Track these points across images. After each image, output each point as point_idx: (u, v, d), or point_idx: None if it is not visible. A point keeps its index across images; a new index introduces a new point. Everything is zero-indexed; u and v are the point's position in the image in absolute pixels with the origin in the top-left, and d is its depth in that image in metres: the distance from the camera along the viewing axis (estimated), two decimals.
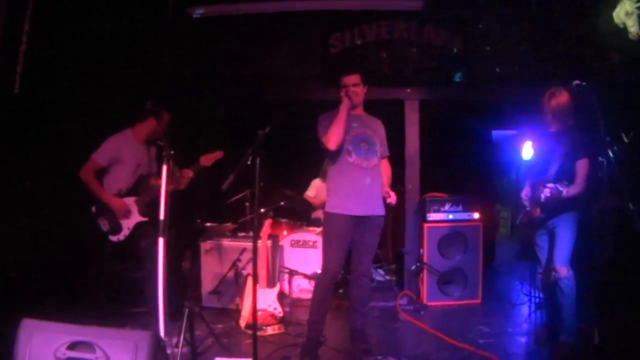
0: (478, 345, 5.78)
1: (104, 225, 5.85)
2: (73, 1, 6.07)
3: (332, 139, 5.20)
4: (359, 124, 5.43)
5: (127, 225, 5.91)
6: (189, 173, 5.97)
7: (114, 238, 5.89)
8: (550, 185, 5.10)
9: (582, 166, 5.25)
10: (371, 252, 5.51)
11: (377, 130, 5.55)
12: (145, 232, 5.93)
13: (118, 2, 6.56)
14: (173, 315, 5.29)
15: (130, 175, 5.98)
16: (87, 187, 5.80)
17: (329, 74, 7.43)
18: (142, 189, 5.99)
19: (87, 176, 5.78)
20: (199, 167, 5.99)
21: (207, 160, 5.95)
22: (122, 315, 6.15)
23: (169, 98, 6.74)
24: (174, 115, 5.98)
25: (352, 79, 5.34)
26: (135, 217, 5.94)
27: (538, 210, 5.50)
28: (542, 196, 5.18)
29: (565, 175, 5.22)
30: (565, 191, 5.10)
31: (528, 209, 5.67)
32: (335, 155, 5.38)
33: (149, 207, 5.99)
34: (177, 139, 5.12)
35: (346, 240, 5.33)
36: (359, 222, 5.33)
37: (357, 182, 5.30)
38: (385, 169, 5.63)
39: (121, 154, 5.90)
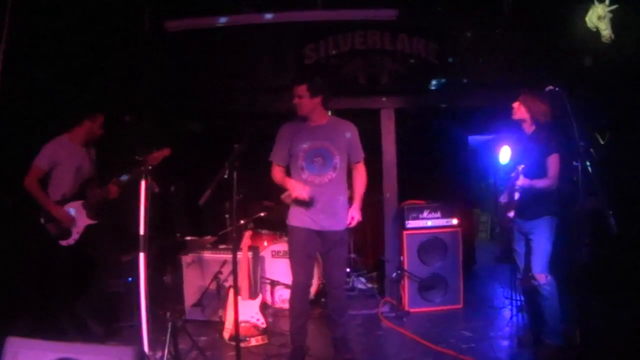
0: (461, 350, 5.82)
1: (53, 230, 5.88)
2: (49, 16, 6.09)
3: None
4: (317, 136, 5.31)
5: (76, 229, 5.95)
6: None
7: (64, 243, 5.91)
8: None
9: (552, 161, 5.31)
10: (339, 265, 5.50)
11: (340, 137, 5.38)
12: (94, 237, 6.00)
13: (95, 15, 6.58)
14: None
15: (73, 179, 6.01)
16: (32, 196, 5.81)
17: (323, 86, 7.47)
18: (89, 192, 6.04)
19: (31, 185, 5.80)
20: (147, 166, 5.87)
21: (154, 159, 5.67)
22: (105, 329, 6.14)
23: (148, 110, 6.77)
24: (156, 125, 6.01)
25: (297, 90, 5.24)
26: (84, 221, 5.99)
27: (512, 211, 5.56)
28: (516, 186, 5.26)
29: (539, 172, 5.30)
30: (535, 182, 5.28)
31: (509, 214, 5.72)
32: (290, 171, 5.40)
33: (97, 210, 6.06)
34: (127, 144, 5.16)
35: (308, 251, 5.37)
36: (320, 235, 5.34)
37: (310, 199, 5.25)
38: (358, 177, 5.56)
39: (60, 157, 5.92)
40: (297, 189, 5.15)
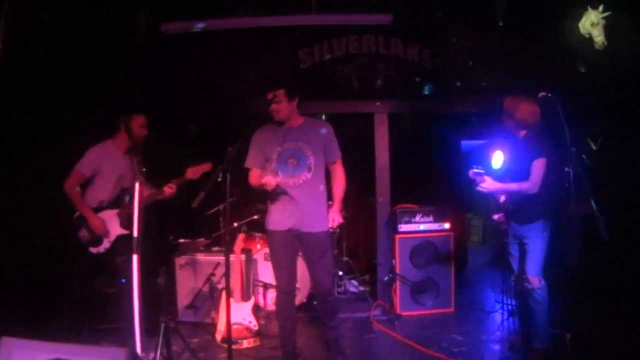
0: (452, 354, 5.84)
1: (85, 236, 5.80)
2: (44, 18, 6.10)
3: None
4: (290, 138, 5.28)
5: (109, 238, 5.85)
6: (172, 187, 5.83)
7: (94, 250, 5.83)
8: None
9: (537, 165, 5.28)
10: (325, 271, 5.43)
11: (315, 138, 5.33)
12: (123, 247, 5.84)
13: (91, 18, 6.59)
14: (148, 330, 5.26)
15: (112, 187, 5.92)
16: (69, 200, 5.75)
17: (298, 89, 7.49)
18: (128, 201, 5.90)
19: (71, 189, 5.74)
20: (183, 180, 5.83)
21: (194, 173, 5.75)
22: (98, 331, 6.14)
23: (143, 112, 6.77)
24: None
25: (275, 94, 5.18)
26: (117, 230, 5.87)
27: (498, 214, 5.61)
28: (481, 190, 5.33)
29: (528, 176, 5.32)
30: (510, 185, 5.33)
31: (494, 217, 5.76)
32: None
33: (131, 220, 5.98)
34: (161, 153, 5.14)
35: (287, 255, 5.36)
36: (300, 239, 5.33)
37: (285, 201, 5.25)
38: (336, 178, 5.49)
39: (103, 165, 5.85)
40: (267, 177, 5.07)
